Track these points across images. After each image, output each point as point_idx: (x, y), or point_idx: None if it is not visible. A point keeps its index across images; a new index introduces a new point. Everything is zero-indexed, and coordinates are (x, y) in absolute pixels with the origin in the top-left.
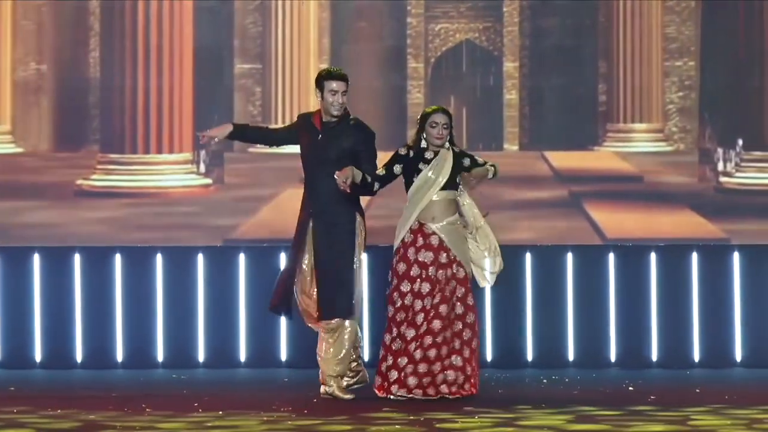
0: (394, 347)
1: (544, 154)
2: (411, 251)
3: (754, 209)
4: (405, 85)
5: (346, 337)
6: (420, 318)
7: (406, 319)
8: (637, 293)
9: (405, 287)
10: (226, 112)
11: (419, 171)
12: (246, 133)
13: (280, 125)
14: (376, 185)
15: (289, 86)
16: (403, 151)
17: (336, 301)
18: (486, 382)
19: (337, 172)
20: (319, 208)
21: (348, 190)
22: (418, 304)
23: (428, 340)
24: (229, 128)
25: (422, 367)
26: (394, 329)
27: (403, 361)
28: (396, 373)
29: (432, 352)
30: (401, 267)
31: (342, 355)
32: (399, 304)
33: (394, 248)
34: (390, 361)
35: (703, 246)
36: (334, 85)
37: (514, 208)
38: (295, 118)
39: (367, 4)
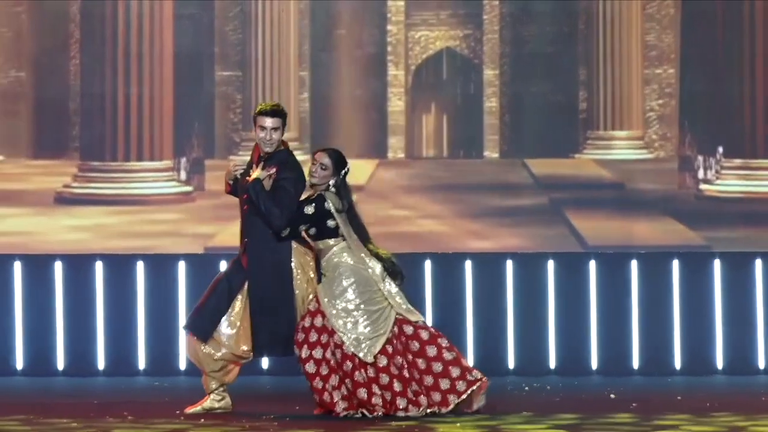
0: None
1: (525, 162)
2: None
3: (734, 217)
4: (385, 92)
5: None
6: None
7: None
8: (618, 300)
9: None
10: (206, 120)
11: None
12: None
13: None
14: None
15: (269, 93)
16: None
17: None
18: None
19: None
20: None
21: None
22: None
23: None
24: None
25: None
26: None
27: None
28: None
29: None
30: None
31: None
32: None
33: None
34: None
35: (684, 253)
36: (265, 121)
37: (494, 215)
38: None
39: (346, 11)
